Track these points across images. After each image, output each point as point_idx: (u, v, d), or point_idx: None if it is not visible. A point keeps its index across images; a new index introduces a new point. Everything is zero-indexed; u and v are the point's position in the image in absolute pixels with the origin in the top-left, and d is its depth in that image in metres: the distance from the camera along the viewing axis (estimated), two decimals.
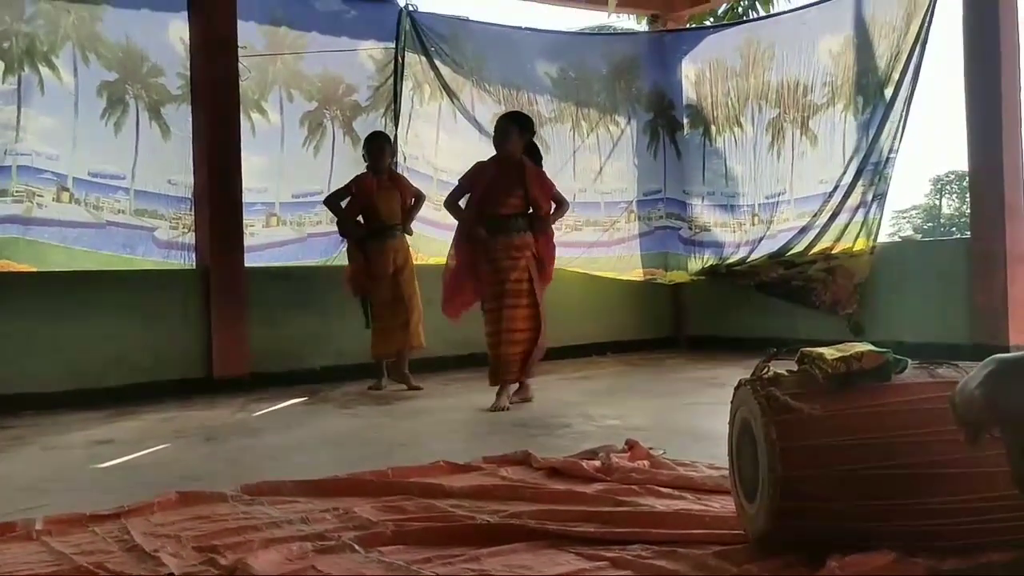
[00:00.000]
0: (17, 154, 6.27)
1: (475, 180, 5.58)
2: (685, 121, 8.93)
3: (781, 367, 2.37)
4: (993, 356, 1.63)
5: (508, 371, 5.39)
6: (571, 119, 8.57)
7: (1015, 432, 1.59)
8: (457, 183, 5.71)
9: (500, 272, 5.40)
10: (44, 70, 6.37)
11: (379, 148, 6.41)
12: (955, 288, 6.78)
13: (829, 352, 2.27)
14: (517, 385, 5.51)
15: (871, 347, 2.28)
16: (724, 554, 2.33)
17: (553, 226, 5.73)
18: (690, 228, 8.78)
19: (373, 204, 6.32)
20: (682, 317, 8.99)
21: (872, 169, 7.35)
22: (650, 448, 3.58)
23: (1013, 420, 1.58)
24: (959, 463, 2.15)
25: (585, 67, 8.66)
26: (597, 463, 3.36)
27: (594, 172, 8.64)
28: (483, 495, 3.01)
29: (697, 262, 8.68)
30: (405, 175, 7.59)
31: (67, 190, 6.46)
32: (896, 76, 7.19)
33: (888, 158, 7.25)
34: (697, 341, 8.61)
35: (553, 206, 5.58)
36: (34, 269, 6.30)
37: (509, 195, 5.46)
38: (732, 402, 2.45)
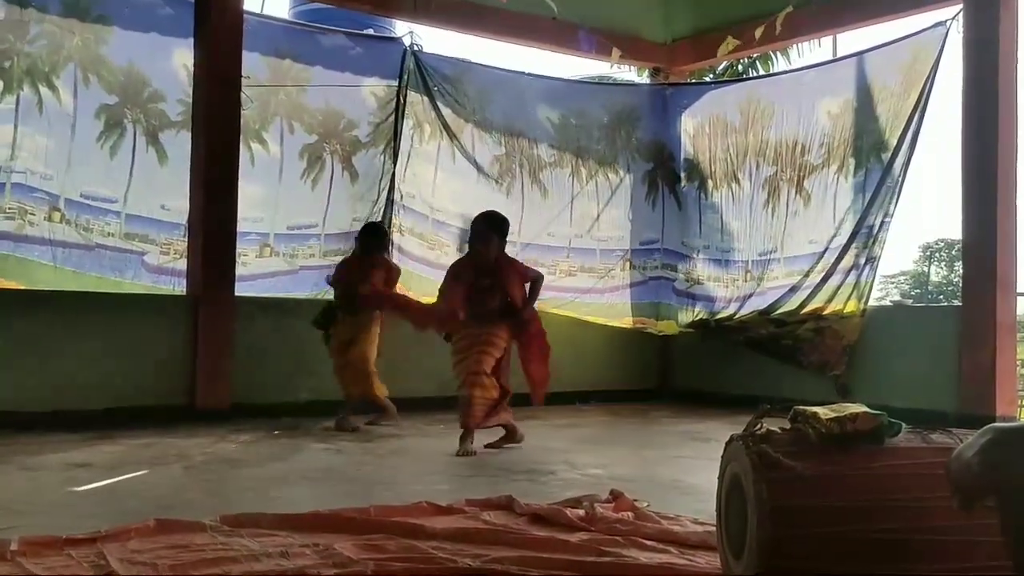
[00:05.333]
0: (11, 171, 6.26)
1: (457, 280, 5.66)
2: (683, 174, 8.98)
3: (773, 424, 2.36)
4: (991, 425, 1.63)
5: (468, 415, 5.36)
6: (571, 165, 8.61)
7: (1011, 501, 1.58)
8: (447, 281, 5.75)
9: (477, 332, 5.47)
10: (44, 90, 6.38)
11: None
12: (944, 355, 6.79)
13: (823, 412, 2.27)
14: (503, 431, 5.49)
15: (866, 409, 2.27)
16: None
17: (544, 279, 5.87)
18: (685, 280, 8.80)
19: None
20: (668, 369, 8.97)
21: (866, 232, 7.39)
22: (635, 500, 3.55)
23: (1010, 489, 1.57)
24: (949, 531, 2.14)
25: (586, 114, 8.73)
26: (581, 512, 3.33)
27: (591, 219, 8.67)
28: (465, 538, 2.97)
29: (688, 314, 8.68)
30: (400, 213, 7.67)
31: (59, 210, 6.44)
32: (894, 141, 7.27)
33: (883, 222, 7.30)
34: (682, 394, 8.58)
35: (528, 288, 5.65)
36: (22, 287, 6.26)
37: (492, 297, 5.53)
38: (723, 457, 2.44)
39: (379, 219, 7.46)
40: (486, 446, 5.37)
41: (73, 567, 2.59)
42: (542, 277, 5.85)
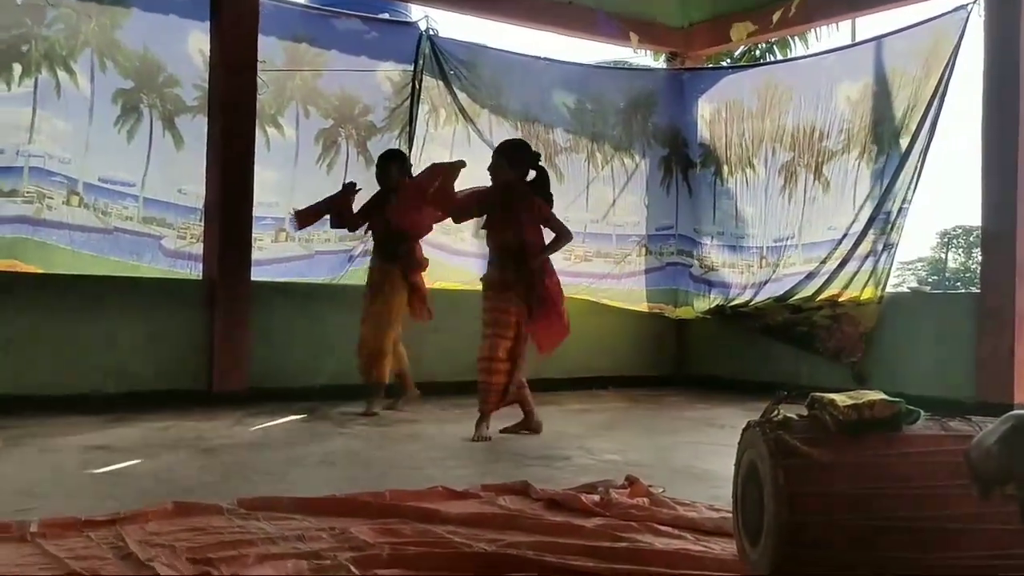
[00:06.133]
0: (30, 155, 6.29)
1: (474, 195, 5.60)
2: (698, 160, 8.94)
3: (790, 411, 2.35)
4: (1012, 412, 1.62)
5: (483, 400, 5.35)
6: (586, 150, 8.59)
7: None
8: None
9: (493, 306, 5.39)
10: (62, 74, 6.40)
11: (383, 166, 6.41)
12: (961, 342, 6.75)
13: (841, 399, 2.26)
14: (521, 415, 5.47)
15: (883, 396, 2.26)
16: None
17: (559, 257, 5.68)
18: (700, 266, 8.78)
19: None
20: (684, 356, 8.96)
21: (884, 218, 7.35)
22: (650, 485, 3.55)
23: None
24: (967, 519, 2.13)
25: (602, 99, 8.70)
26: (596, 497, 3.33)
27: (607, 204, 8.65)
28: (481, 523, 2.98)
29: (705, 301, 8.66)
30: None
31: (77, 194, 6.47)
32: (913, 126, 7.20)
33: (901, 208, 7.24)
34: (698, 381, 8.57)
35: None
36: (40, 270, 6.30)
37: (503, 230, 5.41)
38: (740, 443, 2.43)
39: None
40: (502, 431, 5.37)
41: (92, 548, 2.61)
42: (568, 235, 5.53)
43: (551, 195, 5.58)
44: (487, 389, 5.31)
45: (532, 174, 5.52)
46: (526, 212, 5.38)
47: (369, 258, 6.53)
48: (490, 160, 5.55)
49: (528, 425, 5.47)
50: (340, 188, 6.47)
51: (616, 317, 8.56)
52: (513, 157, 5.48)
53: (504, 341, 5.32)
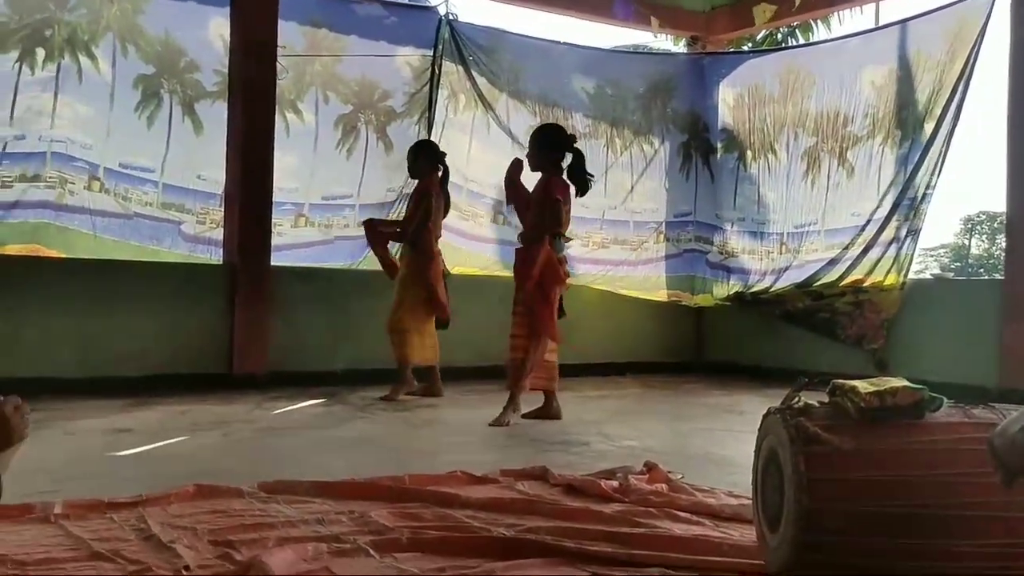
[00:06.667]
0: (52, 140, 6.32)
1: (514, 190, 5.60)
2: (719, 145, 8.89)
3: (810, 398, 2.34)
4: None
5: (508, 378, 5.35)
6: (605, 136, 8.55)
7: None
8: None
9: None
10: (83, 59, 6.42)
11: (411, 156, 6.46)
12: (984, 329, 6.70)
13: (862, 385, 2.24)
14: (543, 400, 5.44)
15: (906, 383, 2.24)
16: None
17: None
18: (719, 253, 8.73)
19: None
20: (703, 342, 8.94)
21: (908, 204, 7.28)
22: (669, 472, 3.55)
23: None
24: (989, 507, 2.11)
25: (621, 85, 8.65)
26: (615, 483, 3.32)
27: (625, 191, 8.61)
28: (500, 508, 2.98)
29: (723, 288, 8.63)
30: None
31: (98, 179, 6.50)
32: (937, 111, 7.12)
33: (925, 194, 7.17)
34: (717, 367, 8.55)
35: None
36: (63, 255, 6.35)
37: (524, 216, 5.50)
38: (759, 430, 2.42)
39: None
40: (523, 416, 5.36)
41: (115, 530, 2.63)
42: (553, 225, 5.25)
43: (587, 179, 5.45)
44: (507, 367, 5.35)
45: (569, 157, 5.45)
46: (541, 195, 5.36)
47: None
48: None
49: (546, 413, 5.41)
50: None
51: (634, 303, 8.53)
52: (541, 141, 5.48)
53: (518, 318, 5.33)
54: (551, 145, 5.44)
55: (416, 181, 6.45)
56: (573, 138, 5.56)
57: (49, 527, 2.64)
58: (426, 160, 6.35)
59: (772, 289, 8.18)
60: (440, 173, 6.37)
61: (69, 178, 6.37)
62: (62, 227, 6.37)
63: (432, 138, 7.57)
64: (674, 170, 8.83)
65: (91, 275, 6.28)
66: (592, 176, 5.51)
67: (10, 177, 6.17)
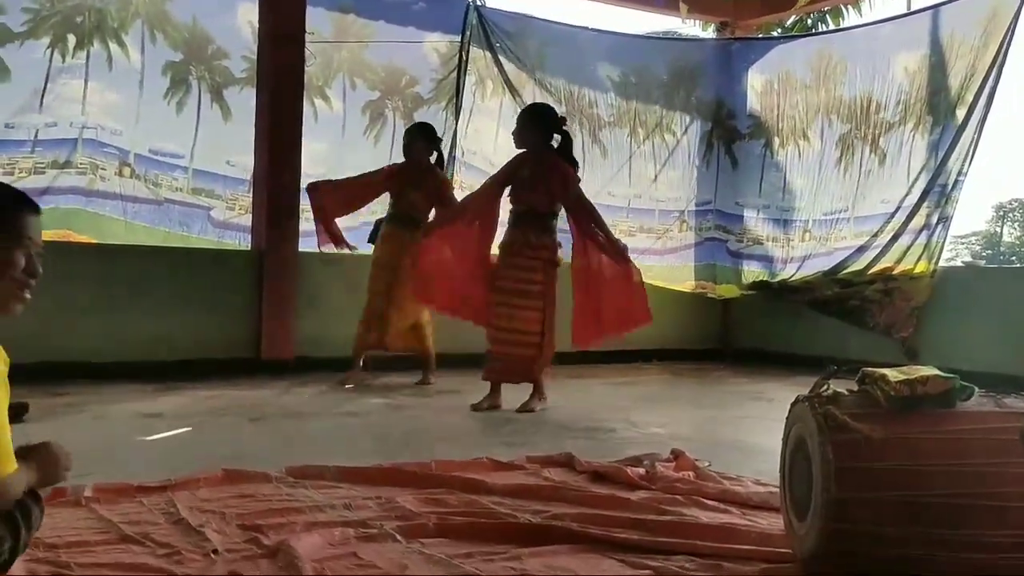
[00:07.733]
0: (83, 127, 6.38)
1: (492, 180, 5.53)
2: (746, 131, 8.81)
3: (839, 386, 2.32)
4: None
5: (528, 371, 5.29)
6: (629, 124, 8.51)
7: None
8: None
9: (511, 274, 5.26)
10: (113, 46, 6.47)
11: (409, 138, 6.36)
12: (1016, 318, 6.61)
13: (892, 374, 2.22)
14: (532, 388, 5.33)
15: (936, 372, 2.22)
16: (770, 572, 2.29)
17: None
18: (739, 240, 8.67)
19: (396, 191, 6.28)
20: (729, 329, 8.88)
21: (939, 191, 7.19)
22: (696, 459, 3.54)
23: None
24: (1020, 497, 2.09)
25: (647, 72, 8.59)
26: (641, 470, 3.32)
27: (649, 179, 8.57)
28: (526, 494, 2.99)
29: (745, 276, 8.56)
30: (462, 170, 7.59)
31: (128, 165, 6.55)
32: (970, 97, 7.02)
33: (957, 181, 7.07)
34: (744, 354, 8.49)
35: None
36: (93, 241, 6.41)
37: (530, 193, 5.27)
38: (788, 418, 2.41)
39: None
40: (472, 407, 5.28)
41: (144, 513, 2.67)
42: (593, 209, 5.37)
43: (575, 161, 5.47)
44: (517, 362, 5.24)
45: (557, 139, 5.40)
46: (559, 179, 5.27)
47: None
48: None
49: (528, 405, 5.24)
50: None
51: (659, 290, 8.48)
52: (538, 121, 5.37)
53: (529, 312, 5.19)
54: (547, 125, 5.36)
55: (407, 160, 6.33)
56: (564, 119, 5.52)
57: (80, 510, 2.67)
58: (425, 142, 6.30)
59: (795, 277, 8.11)
60: (434, 157, 6.34)
61: (100, 164, 6.43)
62: (93, 213, 6.43)
63: (460, 125, 7.57)
64: (697, 158, 8.77)
65: (122, 260, 6.33)
66: (576, 162, 5.47)
67: (42, 163, 6.23)
